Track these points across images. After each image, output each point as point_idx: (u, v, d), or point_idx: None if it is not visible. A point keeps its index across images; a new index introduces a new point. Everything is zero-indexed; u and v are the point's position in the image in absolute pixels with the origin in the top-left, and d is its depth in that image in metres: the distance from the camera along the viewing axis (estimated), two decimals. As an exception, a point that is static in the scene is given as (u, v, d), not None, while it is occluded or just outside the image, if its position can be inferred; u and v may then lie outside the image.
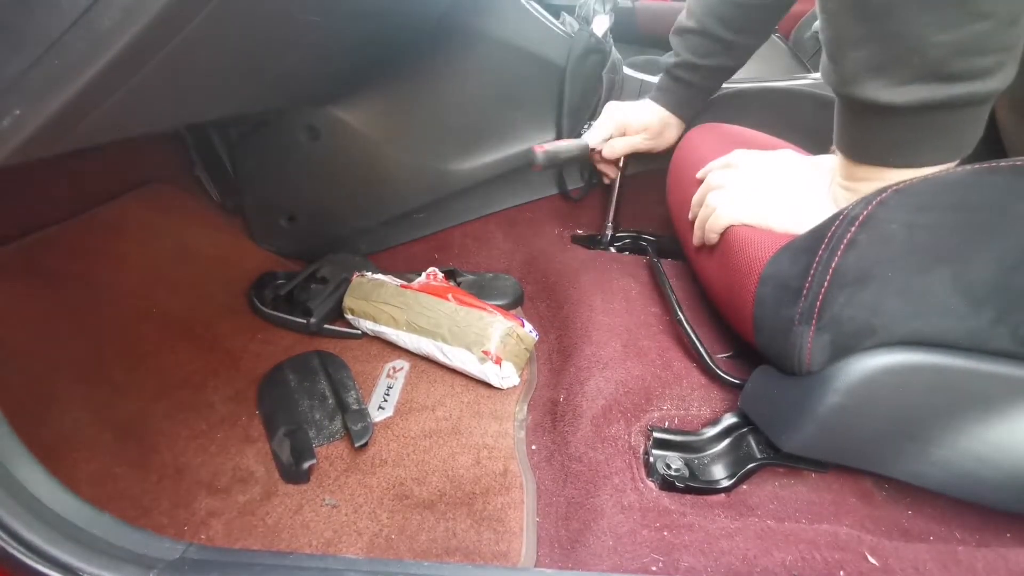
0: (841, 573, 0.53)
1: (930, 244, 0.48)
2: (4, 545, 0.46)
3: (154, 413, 0.76)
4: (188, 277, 1.01)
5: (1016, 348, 0.49)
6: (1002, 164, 0.47)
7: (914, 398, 0.52)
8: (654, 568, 0.55)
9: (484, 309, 0.87)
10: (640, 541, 0.57)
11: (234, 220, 1.19)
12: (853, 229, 0.49)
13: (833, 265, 0.50)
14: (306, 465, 0.69)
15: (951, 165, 0.52)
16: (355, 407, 0.79)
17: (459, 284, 1.04)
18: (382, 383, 0.85)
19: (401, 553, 0.60)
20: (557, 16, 1.10)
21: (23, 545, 0.46)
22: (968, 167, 0.48)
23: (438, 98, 1.09)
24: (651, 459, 0.65)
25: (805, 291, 0.52)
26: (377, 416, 0.78)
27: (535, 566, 0.59)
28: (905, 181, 0.49)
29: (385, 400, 0.81)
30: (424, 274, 0.99)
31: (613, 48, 1.08)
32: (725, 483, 0.63)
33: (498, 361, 0.82)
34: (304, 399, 0.81)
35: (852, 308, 0.50)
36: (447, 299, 0.90)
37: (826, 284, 0.50)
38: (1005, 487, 0.54)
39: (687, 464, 0.66)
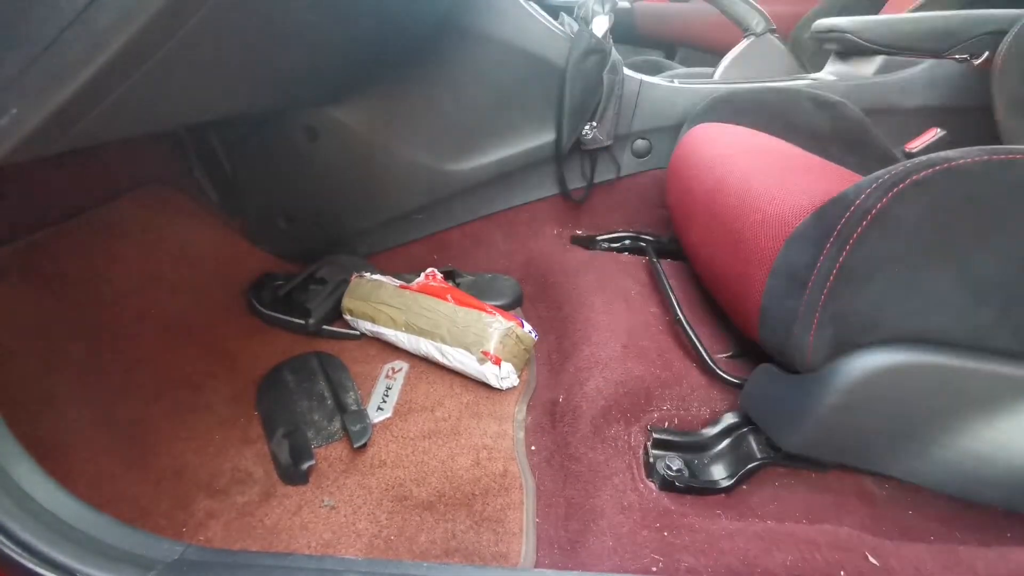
0: (842, 573, 0.53)
1: (939, 240, 0.48)
2: (1, 547, 0.46)
3: (153, 414, 0.76)
4: (187, 278, 1.00)
5: (1017, 347, 0.49)
6: (1012, 157, 0.46)
7: (914, 397, 0.52)
8: (654, 569, 0.55)
9: (483, 310, 0.87)
10: (640, 542, 0.57)
11: (233, 221, 1.18)
12: (864, 223, 0.48)
13: (840, 260, 0.50)
14: (305, 466, 0.69)
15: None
16: (354, 408, 0.79)
17: (458, 285, 1.04)
18: (381, 384, 0.85)
19: (400, 554, 0.60)
20: (556, 17, 1.10)
21: (20, 546, 0.46)
22: (983, 157, 0.47)
23: (437, 99, 1.08)
24: (651, 459, 0.65)
25: (810, 284, 0.52)
26: (376, 417, 0.78)
27: (535, 567, 0.59)
28: (923, 170, 0.48)
29: (384, 401, 0.81)
30: (423, 275, 0.99)
31: (613, 48, 1.08)
32: (725, 483, 0.63)
33: (497, 362, 0.81)
34: (303, 400, 0.81)
35: (856, 303, 0.50)
36: (446, 300, 0.90)
37: (832, 278, 0.50)
38: (1007, 486, 0.54)
39: (687, 464, 0.65)
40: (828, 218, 0.52)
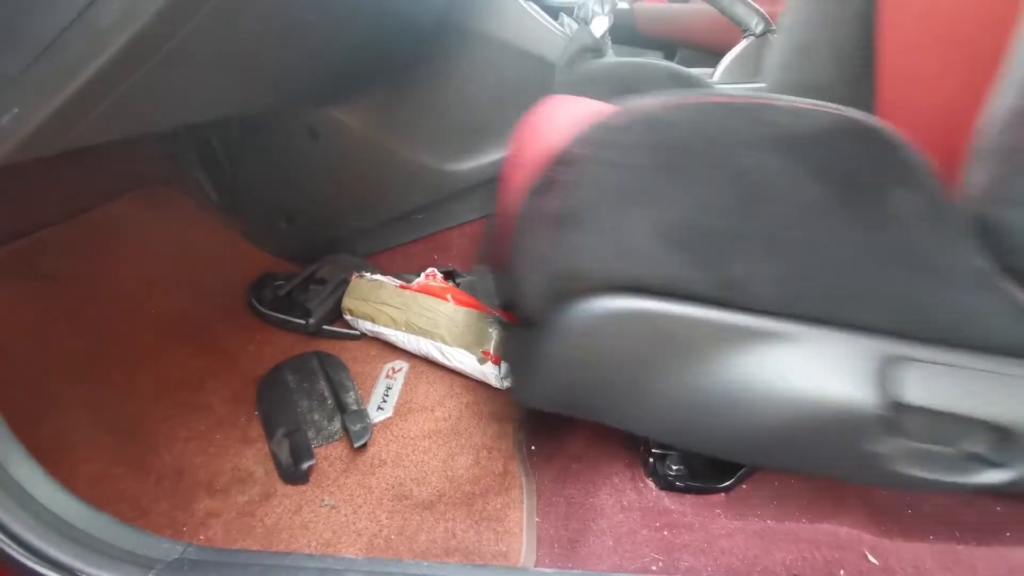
0: (841, 572, 0.53)
1: (628, 184, 0.46)
2: (2, 546, 0.46)
3: (153, 414, 0.76)
4: (187, 278, 1.00)
5: (715, 293, 0.48)
6: (688, 101, 0.45)
7: (627, 345, 0.51)
8: (654, 568, 0.55)
9: (484, 310, 0.87)
10: (640, 541, 0.57)
11: (233, 221, 1.18)
12: (564, 168, 0.47)
13: (547, 206, 0.48)
14: (305, 466, 0.69)
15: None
16: (354, 408, 0.79)
17: (458, 285, 1.04)
18: (381, 384, 0.85)
19: (400, 553, 0.60)
20: (556, 17, 1.11)
21: (21, 546, 0.46)
22: (667, 101, 0.45)
23: (437, 99, 1.08)
24: (651, 459, 0.65)
25: (524, 232, 0.50)
26: (376, 417, 0.78)
27: (535, 566, 0.59)
28: (615, 114, 0.46)
29: (384, 401, 0.81)
30: (423, 274, 0.99)
31: (610, 49, 1.08)
32: (725, 482, 0.63)
33: (497, 361, 0.81)
34: (303, 400, 0.81)
35: (564, 250, 0.49)
36: (446, 300, 0.90)
37: (540, 225, 0.49)
38: (715, 435, 0.53)
39: (687, 463, 0.65)
40: (540, 167, 0.50)
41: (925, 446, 0.53)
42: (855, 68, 0.70)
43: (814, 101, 0.42)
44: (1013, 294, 0.47)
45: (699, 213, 0.46)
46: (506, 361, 0.64)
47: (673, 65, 0.98)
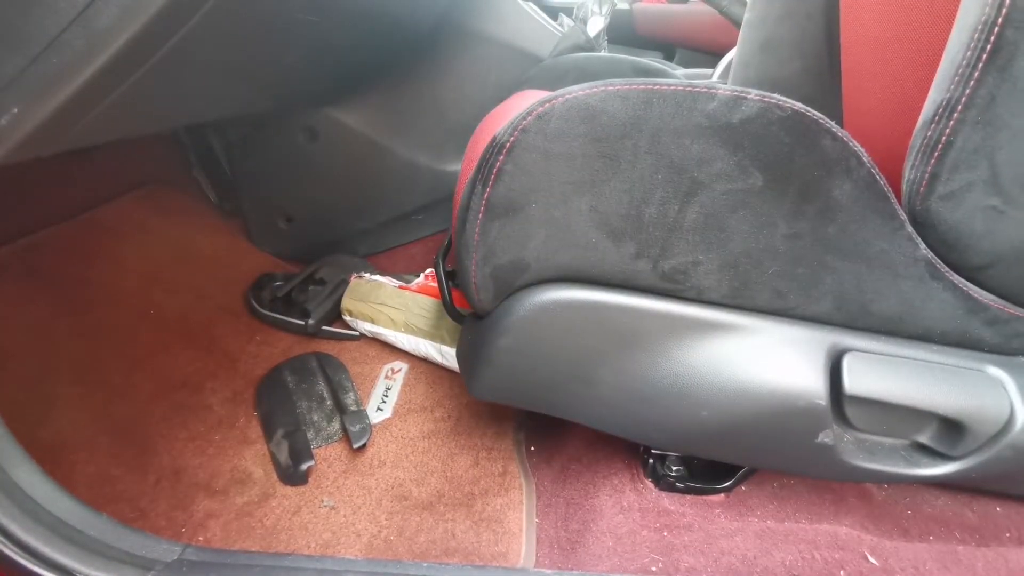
0: (841, 573, 0.53)
1: (566, 174, 0.45)
2: (1, 547, 0.46)
3: (152, 415, 0.76)
4: (186, 278, 1.00)
5: (659, 283, 0.48)
6: (612, 88, 0.43)
7: (574, 336, 0.51)
8: (654, 568, 0.55)
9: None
10: (640, 542, 0.57)
11: (232, 222, 1.19)
12: (501, 158, 0.46)
13: (486, 195, 0.47)
14: (304, 467, 0.69)
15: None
16: (353, 408, 0.79)
17: (457, 286, 1.03)
18: (380, 384, 0.85)
19: (400, 554, 0.60)
20: (555, 18, 1.11)
21: (20, 547, 0.46)
22: (600, 88, 0.44)
23: (436, 99, 1.09)
24: (650, 459, 0.65)
25: (467, 223, 0.50)
26: (376, 417, 0.78)
27: (534, 567, 0.59)
28: (547, 102, 0.45)
29: (384, 401, 0.81)
30: (423, 275, 0.99)
31: (604, 49, 1.08)
32: (724, 483, 0.63)
33: (497, 362, 0.81)
34: (302, 400, 0.81)
35: (504, 240, 0.48)
36: (446, 300, 0.89)
37: (480, 215, 0.48)
38: (660, 426, 0.53)
39: (686, 464, 0.65)
40: (482, 155, 0.49)
41: (875, 438, 0.53)
42: (819, 63, 0.70)
43: (751, 90, 0.42)
44: (956, 286, 0.47)
45: (636, 203, 0.45)
46: (457, 354, 0.64)
47: (642, 60, 0.98)
